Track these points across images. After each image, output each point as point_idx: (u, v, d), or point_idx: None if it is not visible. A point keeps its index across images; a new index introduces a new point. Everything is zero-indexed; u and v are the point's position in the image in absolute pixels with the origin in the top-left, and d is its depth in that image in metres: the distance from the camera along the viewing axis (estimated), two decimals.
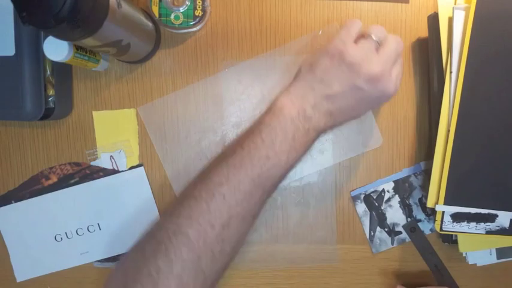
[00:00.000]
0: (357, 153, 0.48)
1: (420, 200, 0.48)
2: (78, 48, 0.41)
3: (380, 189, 0.48)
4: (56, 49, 0.39)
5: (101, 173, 0.49)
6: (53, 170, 0.49)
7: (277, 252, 0.50)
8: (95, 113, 0.49)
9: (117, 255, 0.50)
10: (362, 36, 0.40)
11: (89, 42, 0.35)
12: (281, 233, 0.49)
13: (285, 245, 0.49)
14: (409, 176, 0.48)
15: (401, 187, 0.48)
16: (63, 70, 0.47)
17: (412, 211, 0.48)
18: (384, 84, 0.38)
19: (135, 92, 0.49)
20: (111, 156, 0.49)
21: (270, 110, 0.38)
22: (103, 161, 0.49)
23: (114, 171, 0.49)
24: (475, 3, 0.41)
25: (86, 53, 0.42)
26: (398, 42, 0.40)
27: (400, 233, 0.49)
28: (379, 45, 0.39)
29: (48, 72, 0.45)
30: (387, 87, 0.38)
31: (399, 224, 0.49)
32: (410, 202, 0.49)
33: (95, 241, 0.49)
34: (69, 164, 0.49)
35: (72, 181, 0.49)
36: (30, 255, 0.50)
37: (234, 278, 0.50)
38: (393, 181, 0.48)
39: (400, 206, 0.49)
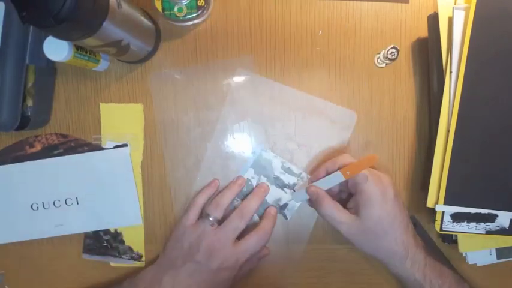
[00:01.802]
0: (347, 138, 0.49)
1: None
2: (78, 48, 0.41)
3: None
4: (56, 49, 0.39)
5: (86, 148, 0.49)
6: (38, 138, 0.49)
7: (277, 252, 0.50)
8: (102, 105, 0.49)
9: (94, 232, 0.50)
10: (201, 216, 0.47)
11: (88, 42, 0.35)
12: (280, 232, 0.50)
13: (285, 245, 0.50)
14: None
15: None
16: (45, 82, 0.47)
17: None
18: (221, 255, 0.43)
19: (135, 92, 0.48)
20: (116, 145, 0.49)
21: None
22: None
23: (99, 147, 0.49)
24: (475, 3, 0.41)
25: (86, 53, 0.42)
26: (239, 218, 0.45)
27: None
28: (216, 222, 0.45)
29: (30, 84, 0.45)
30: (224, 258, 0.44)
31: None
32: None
33: (71, 215, 0.49)
34: (56, 134, 0.49)
35: (56, 152, 0.49)
36: (4, 220, 0.50)
37: None
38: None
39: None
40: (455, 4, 0.43)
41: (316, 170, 0.45)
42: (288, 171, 0.48)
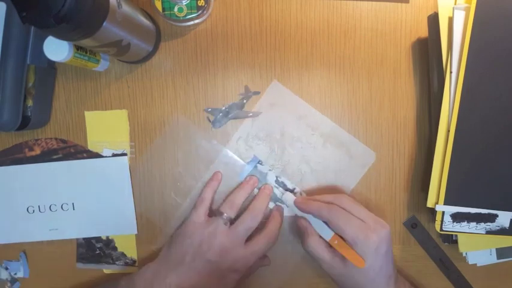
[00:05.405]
0: (360, 176, 0.49)
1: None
2: (78, 48, 0.41)
3: None
4: (56, 49, 0.39)
5: (85, 154, 0.49)
6: (38, 142, 0.49)
7: (279, 253, 0.50)
8: (86, 113, 0.49)
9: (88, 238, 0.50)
10: (214, 213, 0.46)
11: (89, 42, 0.35)
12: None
13: (286, 246, 0.49)
14: None
15: None
16: (45, 82, 0.47)
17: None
18: (233, 256, 0.43)
19: (135, 92, 0.49)
20: (113, 153, 0.49)
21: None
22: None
23: (98, 155, 0.49)
24: (475, 3, 0.41)
25: (86, 53, 0.42)
26: (251, 218, 0.45)
27: None
28: (229, 221, 0.45)
29: (30, 84, 0.45)
30: (237, 259, 0.43)
31: None
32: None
33: (66, 220, 0.49)
34: (56, 139, 0.49)
35: (55, 156, 0.49)
36: None
37: None
38: None
39: None
40: (455, 4, 0.43)
41: (313, 202, 0.43)
42: (282, 185, 0.48)
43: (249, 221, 0.45)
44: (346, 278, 0.41)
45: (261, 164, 0.49)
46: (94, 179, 0.49)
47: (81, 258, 0.50)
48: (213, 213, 0.46)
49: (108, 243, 0.50)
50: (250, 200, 0.47)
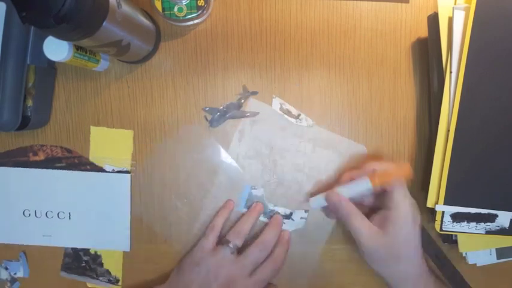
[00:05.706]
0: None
1: None
2: (78, 48, 0.41)
3: None
4: (56, 49, 0.39)
5: (88, 167, 0.49)
6: (43, 148, 0.49)
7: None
8: (92, 128, 0.49)
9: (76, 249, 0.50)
10: (220, 242, 0.45)
11: (89, 42, 0.35)
12: None
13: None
14: None
15: None
16: (45, 82, 0.47)
17: None
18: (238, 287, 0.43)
19: (135, 92, 0.49)
20: (113, 169, 0.49)
21: None
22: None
23: (101, 169, 0.49)
24: (475, 3, 0.41)
25: (86, 53, 0.42)
26: (260, 250, 0.45)
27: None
28: (236, 250, 0.45)
29: (30, 84, 0.45)
30: None
31: None
32: None
33: (61, 228, 0.49)
34: (61, 147, 0.49)
35: (58, 165, 0.49)
36: None
37: None
38: None
39: None
40: (455, 4, 0.43)
41: (340, 177, 0.43)
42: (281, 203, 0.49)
43: (258, 254, 0.45)
44: (385, 251, 0.39)
45: (254, 188, 0.49)
46: (94, 192, 0.49)
47: (66, 268, 0.50)
48: (220, 241, 0.46)
49: (96, 258, 0.50)
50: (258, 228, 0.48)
